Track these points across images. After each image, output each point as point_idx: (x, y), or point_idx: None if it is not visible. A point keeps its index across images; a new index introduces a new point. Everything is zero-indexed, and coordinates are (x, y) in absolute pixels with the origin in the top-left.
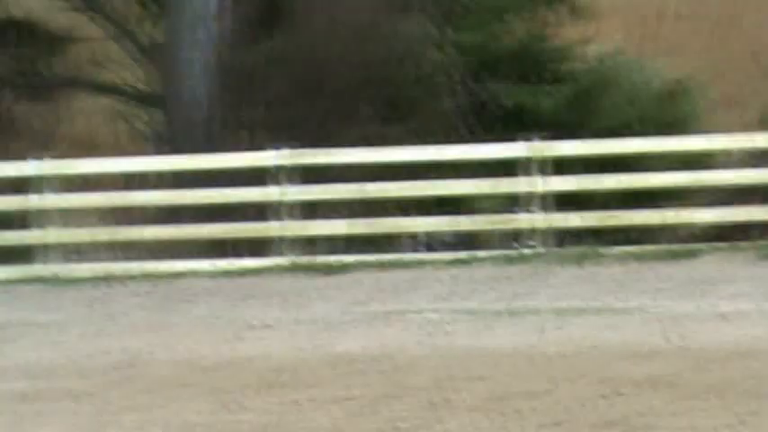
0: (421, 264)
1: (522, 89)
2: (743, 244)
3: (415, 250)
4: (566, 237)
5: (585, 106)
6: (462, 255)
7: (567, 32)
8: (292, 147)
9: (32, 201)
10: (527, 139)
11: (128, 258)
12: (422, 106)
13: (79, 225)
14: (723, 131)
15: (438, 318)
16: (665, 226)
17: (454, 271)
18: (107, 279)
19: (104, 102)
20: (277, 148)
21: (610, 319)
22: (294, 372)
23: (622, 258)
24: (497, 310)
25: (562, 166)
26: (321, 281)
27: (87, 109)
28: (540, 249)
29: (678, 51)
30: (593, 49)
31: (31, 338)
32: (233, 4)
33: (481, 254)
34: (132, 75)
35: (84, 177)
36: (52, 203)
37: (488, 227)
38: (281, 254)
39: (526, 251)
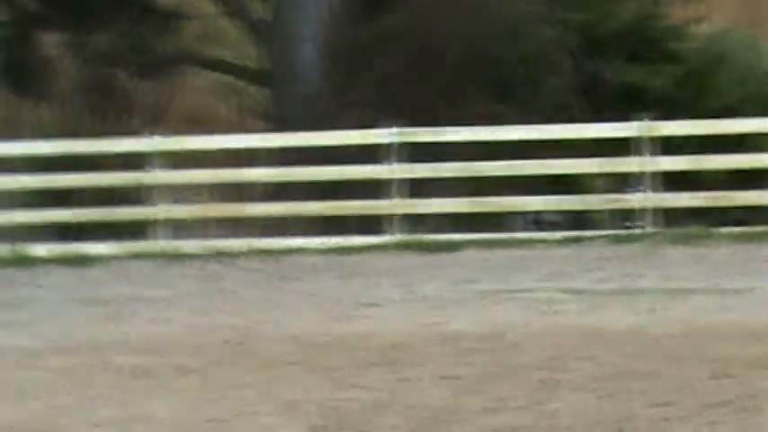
0: (530, 243)
1: (632, 68)
2: None
3: (525, 229)
4: (675, 216)
5: (696, 85)
6: (572, 234)
7: (677, 11)
8: (402, 125)
9: (144, 177)
10: (636, 118)
11: (237, 235)
12: (531, 85)
13: (190, 201)
14: None
15: (547, 297)
16: None
17: (564, 250)
18: (217, 255)
19: (216, 78)
20: (387, 126)
21: (720, 299)
22: (403, 350)
23: (732, 239)
24: (607, 290)
25: (672, 145)
26: (430, 259)
27: (199, 85)
28: (650, 229)
29: None
30: (703, 28)
31: (141, 314)
32: None
33: (590, 233)
34: (243, 52)
35: (194, 153)
36: (163, 179)
37: (598, 206)
38: (390, 231)
39: (636, 231)
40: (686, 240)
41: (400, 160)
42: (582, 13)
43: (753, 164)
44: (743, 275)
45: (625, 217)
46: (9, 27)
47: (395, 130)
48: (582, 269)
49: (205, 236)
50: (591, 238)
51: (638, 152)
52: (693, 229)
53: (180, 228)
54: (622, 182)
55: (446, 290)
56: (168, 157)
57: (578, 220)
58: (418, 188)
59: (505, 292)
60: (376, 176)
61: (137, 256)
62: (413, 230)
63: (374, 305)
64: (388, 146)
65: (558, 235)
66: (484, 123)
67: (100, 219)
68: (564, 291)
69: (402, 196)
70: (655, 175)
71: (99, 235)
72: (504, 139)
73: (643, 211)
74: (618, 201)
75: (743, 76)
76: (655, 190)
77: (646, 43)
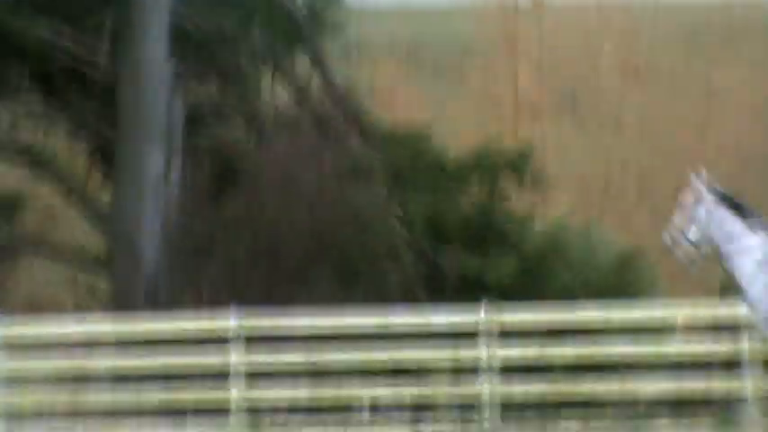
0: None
1: (472, 257)
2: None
3: (362, 418)
4: (518, 408)
5: (535, 274)
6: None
7: (517, 203)
8: (244, 311)
9: None
10: (477, 307)
11: (78, 425)
12: (373, 271)
13: (31, 389)
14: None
15: None
16: (617, 397)
17: None
18: None
19: (59, 265)
20: (228, 312)
21: None
22: None
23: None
24: None
25: (513, 333)
26: None
27: (42, 272)
28: (487, 425)
29: (624, 226)
30: (542, 218)
31: None
32: (185, 169)
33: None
34: (87, 238)
35: (34, 340)
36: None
37: (441, 397)
38: (232, 425)
39: (475, 424)
40: None
41: (241, 347)
42: (424, 202)
43: (593, 353)
44: None
45: (467, 407)
46: None
47: (235, 316)
48: None
49: (46, 424)
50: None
51: (483, 341)
52: (532, 424)
53: (20, 416)
54: (465, 371)
55: None
56: (7, 343)
57: (420, 409)
58: (258, 377)
59: None
60: (219, 364)
61: None
62: (254, 423)
63: None
64: (229, 332)
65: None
66: (327, 309)
67: None
68: None
69: (243, 386)
70: (493, 364)
71: None
72: (345, 325)
73: (485, 403)
74: (460, 391)
75: (580, 266)
76: (495, 380)
77: (487, 232)
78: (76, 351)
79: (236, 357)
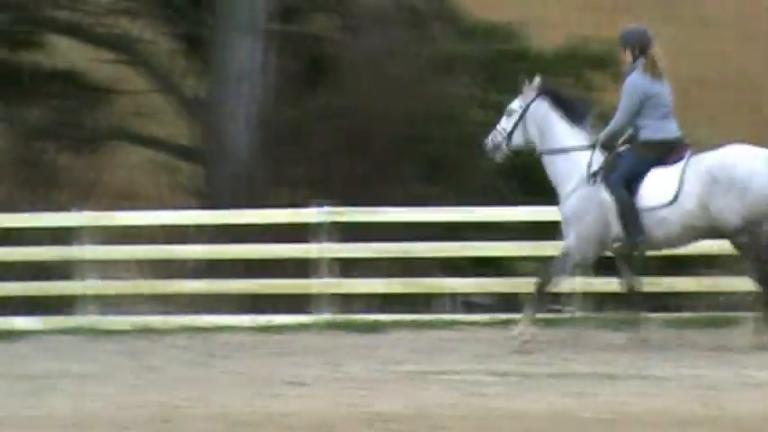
0: (458, 324)
1: None
2: None
3: (453, 311)
4: (604, 301)
5: None
6: (500, 317)
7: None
8: (333, 204)
9: (73, 251)
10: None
11: (166, 312)
12: (464, 166)
13: (119, 277)
14: None
15: (474, 379)
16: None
17: (492, 333)
18: (145, 332)
19: (147, 154)
20: (318, 205)
21: (648, 385)
22: (330, 429)
23: (664, 324)
24: (535, 374)
25: None
26: (359, 339)
27: (130, 161)
28: (579, 313)
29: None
30: None
31: (68, 390)
32: (277, 59)
33: (520, 316)
34: (175, 128)
35: (124, 229)
36: (92, 254)
37: (527, 289)
38: (318, 311)
39: (565, 314)
40: (616, 325)
41: (330, 239)
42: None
43: None
44: (672, 362)
45: (555, 300)
46: None
47: (325, 209)
48: (510, 352)
49: (135, 312)
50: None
51: None
52: (623, 314)
53: (108, 303)
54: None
55: (374, 371)
56: (97, 232)
57: (508, 302)
58: (348, 267)
59: (432, 374)
60: (306, 255)
61: (64, 332)
62: (341, 310)
63: (302, 384)
64: (318, 225)
65: (487, 317)
66: (414, 203)
67: (27, 293)
68: (491, 373)
69: (331, 276)
70: None
71: (26, 309)
72: (436, 220)
73: (571, 294)
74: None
75: None
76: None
77: None
78: (164, 240)
79: (321, 247)
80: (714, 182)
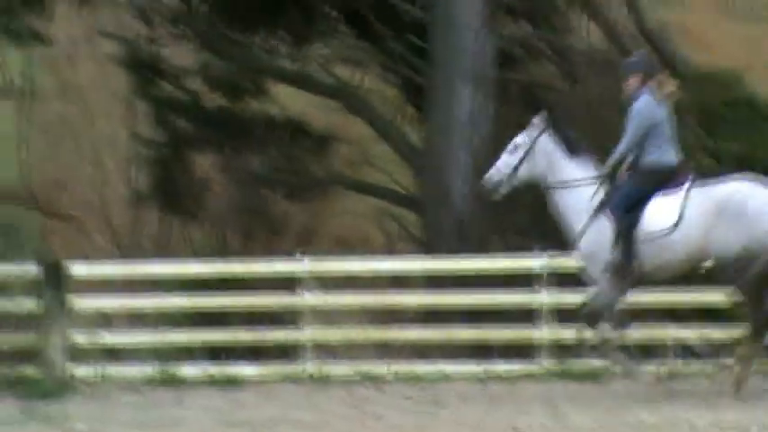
0: (684, 374)
1: None
2: None
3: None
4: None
5: None
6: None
7: None
8: (551, 252)
9: (294, 299)
10: None
11: (385, 359)
12: None
13: (339, 324)
14: None
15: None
16: None
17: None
18: (365, 380)
19: (366, 202)
20: (537, 252)
21: None
22: None
23: None
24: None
25: None
26: (580, 388)
27: (349, 209)
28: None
29: None
30: None
31: None
32: (493, 106)
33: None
34: (395, 176)
35: (343, 276)
36: (313, 302)
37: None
38: (539, 359)
39: None
40: None
41: (550, 287)
42: (737, 141)
43: None
44: None
45: None
46: (164, 148)
47: (545, 256)
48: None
49: (353, 360)
50: None
51: None
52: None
53: (328, 351)
54: None
55: (600, 420)
56: (318, 279)
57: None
58: (567, 315)
59: (667, 425)
60: (526, 303)
61: (285, 379)
62: (562, 358)
63: None
64: (538, 272)
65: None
66: None
67: (249, 340)
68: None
69: (551, 324)
70: None
71: (247, 356)
72: None
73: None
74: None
75: None
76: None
77: None
78: (385, 287)
79: (541, 297)
80: (722, 211)
